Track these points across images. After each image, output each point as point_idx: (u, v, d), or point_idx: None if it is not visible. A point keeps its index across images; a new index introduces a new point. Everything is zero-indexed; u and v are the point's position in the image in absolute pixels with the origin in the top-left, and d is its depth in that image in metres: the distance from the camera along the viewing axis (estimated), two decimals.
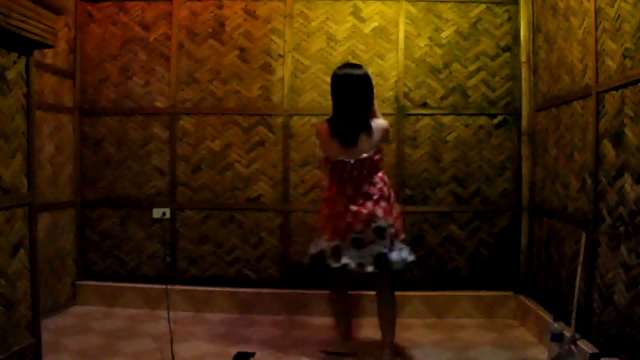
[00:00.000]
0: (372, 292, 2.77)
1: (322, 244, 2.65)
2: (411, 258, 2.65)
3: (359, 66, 2.76)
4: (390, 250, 2.57)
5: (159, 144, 3.65)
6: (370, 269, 2.55)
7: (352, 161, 2.58)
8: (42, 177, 3.22)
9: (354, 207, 2.58)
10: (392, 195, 2.71)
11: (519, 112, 3.49)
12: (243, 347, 2.88)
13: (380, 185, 2.63)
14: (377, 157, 2.63)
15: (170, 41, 3.61)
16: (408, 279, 3.55)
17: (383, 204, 2.60)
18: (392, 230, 2.60)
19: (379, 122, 2.67)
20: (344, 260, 2.57)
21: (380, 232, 2.56)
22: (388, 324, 2.71)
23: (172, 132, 3.63)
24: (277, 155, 3.58)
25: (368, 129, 2.60)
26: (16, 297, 2.33)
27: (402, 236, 2.68)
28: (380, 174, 2.67)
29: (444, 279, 3.56)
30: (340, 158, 2.61)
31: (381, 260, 2.54)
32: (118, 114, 3.66)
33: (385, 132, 2.68)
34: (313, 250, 2.71)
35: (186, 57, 3.61)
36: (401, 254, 2.60)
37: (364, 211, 2.56)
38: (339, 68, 2.73)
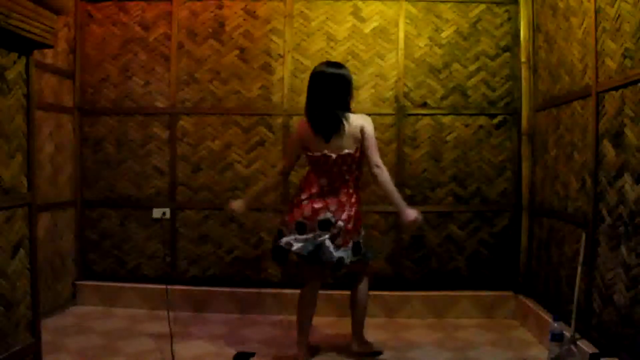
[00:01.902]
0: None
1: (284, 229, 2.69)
2: (347, 262, 2.62)
3: (341, 66, 2.73)
4: (332, 242, 2.58)
5: (159, 144, 3.65)
6: (308, 254, 2.58)
7: (334, 156, 2.60)
8: (42, 177, 3.22)
9: (315, 198, 2.62)
10: (357, 198, 2.70)
11: (519, 112, 3.49)
12: (243, 347, 2.88)
13: (352, 190, 2.66)
14: (357, 154, 2.63)
15: (170, 41, 3.61)
16: (408, 278, 3.56)
17: (346, 206, 2.62)
18: (343, 225, 2.59)
19: (358, 116, 2.64)
20: (289, 239, 2.62)
21: (325, 226, 2.58)
22: (356, 322, 2.79)
23: (172, 132, 3.63)
24: (277, 155, 3.58)
25: (347, 124, 2.59)
26: (16, 297, 2.33)
27: (353, 239, 2.66)
28: (358, 180, 2.70)
29: (444, 279, 3.56)
30: (323, 152, 2.62)
31: (316, 247, 2.57)
32: (118, 114, 3.66)
33: (366, 124, 2.62)
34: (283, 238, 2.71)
35: (186, 57, 3.61)
36: (338, 251, 2.59)
37: (320, 204, 2.60)
38: (322, 65, 2.72)
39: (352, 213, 2.64)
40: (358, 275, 2.80)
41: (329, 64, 2.73)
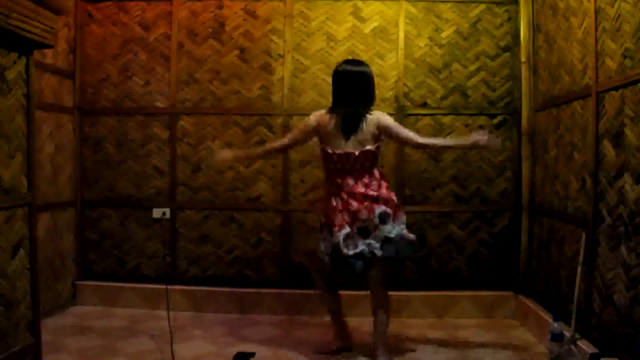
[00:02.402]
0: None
1: (333, 237, 2.63)
2: (412, 237, 2.69)
3: (363, 63, 2.78)
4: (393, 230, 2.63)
5: (159, 144, 3.65)
6: (379, 252, 2.60)
7: (357, 153, 2.61)
8: (42, 177, 3.22)
9: (355, 196, 2.62)
10: (389, 184, 2.75)
11: (519, 112, 3.49)
12: (243, 347, 2.88)
13: (381, 180, 2.69)
14: (377, 150, 2.67)
15: (170, 41, 3.61)
16: (408, 278, 3.56)
17: (384, 191, 2.66)
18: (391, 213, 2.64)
19: (373, 113, 2.66)
20: (360, 247, 2.60)
21: (382, 218, 2.61)
22: (380, 321, 2.76)
23: (172, 132, 3.63)
24: (277, 155, 3.58)
25: (367, 122, 2.62)
26: (16, 297, 2.33)
27: (403, 219, 2.71)
28: (376, 170, 2.72)
29: (444, 279, 3.56)
30: (345, 150, 2.64)
31: (389, 242, 2.61)
32: (118, 114, 3.66)
33: (387, 127, 2.65)
34: (324, 245, 2.70)
35: (186, 57, 3.61)
36: (405, 235, 2.66)
37: (366, 202, 2.60)
38: (346, 63, 2.76)
39: (392, 201, 2.66)
40: (377, 278, 2.73)
41: (350, 62, 2.78)
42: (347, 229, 2.60)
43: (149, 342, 2.96)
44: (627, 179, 2.24)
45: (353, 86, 2.66)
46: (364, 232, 2.61)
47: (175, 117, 3.63)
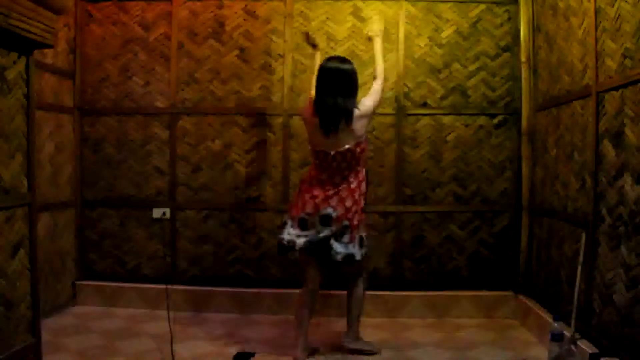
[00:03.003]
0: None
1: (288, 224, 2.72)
2: (358, 257, 2.65)
3: (347, 61, 2.74)
4: (337, 240, 2.61)
5: (159, 144, 3.65)
6: (316, 251, 2.62)
7: (332, 153, 2.61)
8: (42, 177, 3.22)
9: (316, 192, 2.65)
10: (362, 194, 2.71)
11: (519, 112, 3.49)
12: (243, 347, 2.88)
13: (354, 185, 2.66)
14: (359, 148, 2.63)
15: (170, 41, 3.61)
16: (408, 278, 3.56)
17: (347, 201, 2.63)
18: (346, 223, 2.61)
19: (361, 108, 2.64)
20: (291, 237, 2.64)
21: (325, 221, 2.60)
22: (352, 315, 2.81)
23: (172, 132, 3.63)
24: (277, 156, 3.58)
25: (350, 119, 2.59)
26: (16, 297, 2.33)
27: (360, 234, 2.69)
28: (359, 174, 2.69)
29: (444, 279, 3.56)
30: (322, 149, 2.65)
31: (320, 242, 2.60)
32: (118, 114, 3.66)
33: (369, 108, 2.65)
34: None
35: (186, 57, 3.61)
36: (347, 248, 2.62)
37: (321, 199, 2.62)
38: (329, 60, 2.73)
39: (355, 208, 2.64)
40: (356, 273, 2.81)
41: (334, 58, 2.76)
42: (294, 221, 2.67)
43: (149, 342, 2.96)
44: (627, 179, 2.24)
45: (336, 83, 2.62)
46: (304, 223, 2.64)
47: (175, 117, 3.63)
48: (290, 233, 2.67)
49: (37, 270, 2.47)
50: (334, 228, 2.61)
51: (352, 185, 2.66)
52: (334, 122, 2.59)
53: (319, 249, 2.61)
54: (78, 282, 3.64)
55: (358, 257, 2.65)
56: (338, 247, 2.61)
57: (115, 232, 3.68)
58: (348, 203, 2.63)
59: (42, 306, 2.63)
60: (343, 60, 2.73)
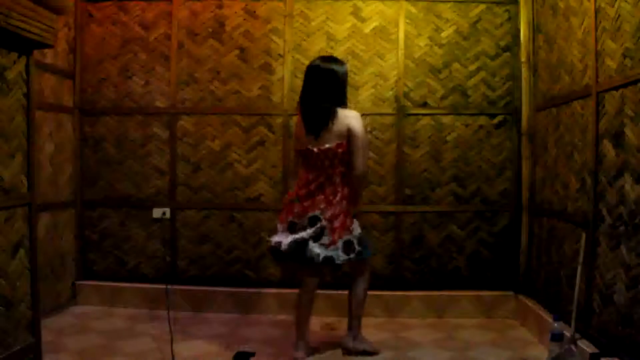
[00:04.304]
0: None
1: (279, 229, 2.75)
2: (339, 261, 2.60)
3: (334, 60, 2.73)
4: (316, 241, 2.58)
5: (159, 143, 3.65)
6: (291, 251, 2.61)
7: (315, 150, 2.62)
8: (42, 177, 3.22)
9: (303, 194, 2.65)
10: (345, 197, 2.66)
11: (519, 112, 3.49)
12: (243, 347, 2.88)
13: (339, 187, 2.64)
14: (340, 149, 2.61)
15: (170, 41, 3.61)
16: (408, 278, 3.56)
17: (332, 201, 2.62)
18: (328, 224, 2.59)
19: (347, 113, 2.63)
20: (279, 239, 2.66)
21: (314, 222, 2.60)
22: (353, 315, 2.80)
23: (172, 132, 3.63)
24: (277, 155, 3.58)
25: (332, 120, 2.59)
26: (16, 297, 2.33)
27: (345, 238, 2.63)
28: (345, 177, 2.65)
29: (444, 279, 3.56)
30: (306, 147, 2.66)
31: (298, 245, 2.58)
32: (118, 113, 3.66)
33: (351, 128, 2.58)
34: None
35: (186, 56, 3.61)
36: (327, 250, 2.58)
37: (309, 202, 2.63)
38: (314, 59, 2.76)
39: (337, 211, 2.61)
40: (357, 273, 2.80)
41: (321, 58, 2.77)
42: (283, 225, 2.71)
43: (149, 342, 2.96)
44: (627, 179, 2.24)
45: (319, 83, 2.63)
46: (293, 227, 2.65)
47: (175, 117, 3.63)
48: (279, 236, 2.68)
49: (37, 270, 2.46)
50: (310, 230, 2.58)
51: (338, 188, 2.64)
52: (315, 119, 2.61)
53: (300, 251, 2.59)
54: (78, 282, 3.64)
55: (338, 260, 2.60)
56: (315, 249, 2.57)
57: (115, 232, 3.68)
58: (332, 205, 2.61)
59: (42, 306, 2.63)
60: (328, 59, 2.73)
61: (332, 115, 2.60)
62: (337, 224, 2.61)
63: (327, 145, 2.60)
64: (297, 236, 2.60)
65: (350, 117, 2.62)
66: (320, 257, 2.57)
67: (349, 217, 2.67)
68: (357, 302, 2.81)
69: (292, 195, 2.71)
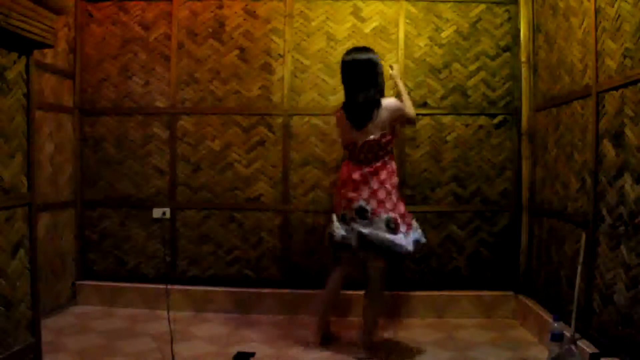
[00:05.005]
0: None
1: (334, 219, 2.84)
2: (423, 240, 2.78)
3: (365, 50, 2.84)
4: (395, 233, 2.64)
5: (159, 143, 3.65)
6: (354, 243, 2.68)
7: (360, 142, 2.69)
8: (42, 177, 3.22)
9: (348, 186, 2.73)
10: (393, 185, 2.76)
11: (519, 112, 3.49)
12: (243, 347, 2.88)
13: (383, 176, 2.70)
14: (384, 139, 2.70)
15: (170, 41, 3.61)
16: (408, 278, 3.56)
17: (380, 193, 2.68)
18: (390, 215, 2.66)
19: (388, 102, 2.74)
20: (339, 230, 2.74)
21: (361, 213, 2.66)
22: (367, 321, 2.80)
23: (172, 132, 3.63)
24: (277, 155, 3.58)
25: (375, 111, 2.67)
26: (16, 297, 2.33)
27: (407, 223, 2.74)
28: (388, 166, 2.74)
29: (444, 279, 3.56)
30: (351, 141, 2.76)
31: (361, 236, 2.65)
32: (118, 113, 3.66)
33: (396, 110, 2.73)
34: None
35: (186, 57, 3.61)
36: (406, 237, 2.67)
37: (353, 194, 2.69)
38: (346, 53, 2.86)
39: (389, 199, 2.68)
40: (373, 274, 2.77)
41: (353, 50, 2.86)
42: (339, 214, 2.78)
43: (149, 342, 2.96)
44: (627, 179, 2.24)
45: (355, 75, 2.72)
46: (361, 212, 2.70)
47: (175, 117, 3.63)
48: (337, 227, 2.75)
49: (37, 270, 2.46)
50: (371, 222, 2.65)
51: (382, 177, 2.71)
52: (359, 113, 2.69)
53: (366, 243, 2.65)
54: (78, 282, 3.64)
55: (423, 241, 2.78)
56: (402, 240, 2.63)
57: (115, 232, 3.68)
58: (381, 195, 2.67)
59: (42, 306, 2.63)
60: (360, 50, 2.82)
61: (378, 106, 2.66)
62: (396, 213, 2.68)
63: (371, 137, 2.67)
64: (363, 230, 2.64)
65: (388, 105, 2.71)
66: (408, 247, 2.65)
67: (402, 206, 2.78)
68: (369, 307, 2.79)
69: (339, 188, 2.81)
